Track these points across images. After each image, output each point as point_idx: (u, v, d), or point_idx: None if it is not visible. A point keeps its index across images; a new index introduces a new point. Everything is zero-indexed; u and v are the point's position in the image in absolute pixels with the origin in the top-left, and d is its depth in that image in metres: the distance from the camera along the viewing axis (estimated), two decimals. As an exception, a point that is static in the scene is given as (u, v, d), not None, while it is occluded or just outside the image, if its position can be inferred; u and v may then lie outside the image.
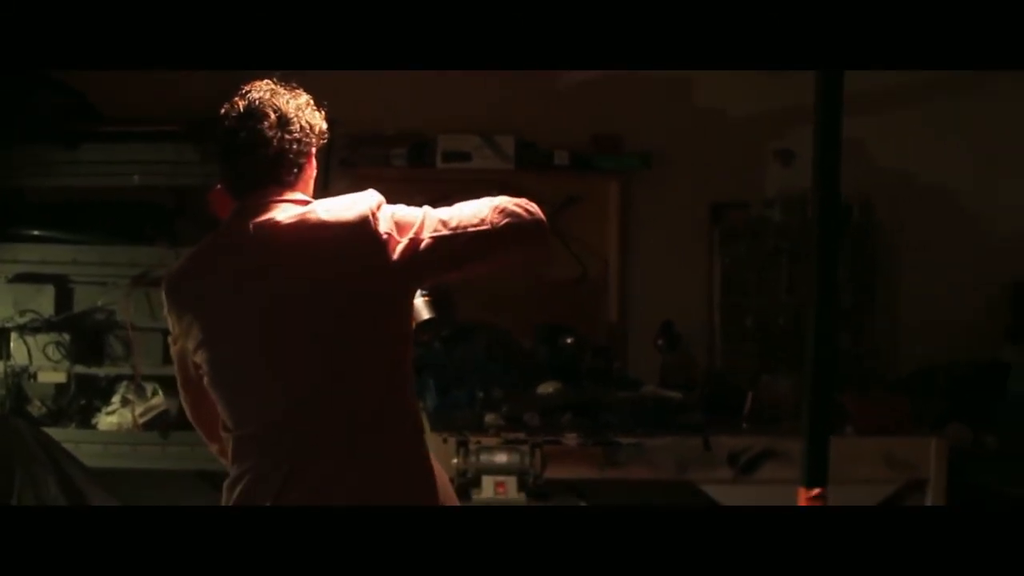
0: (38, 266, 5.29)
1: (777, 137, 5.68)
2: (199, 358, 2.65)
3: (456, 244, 2.61)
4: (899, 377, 5.75)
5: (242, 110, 2.64)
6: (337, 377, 2.56)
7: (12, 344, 5.27)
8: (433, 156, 5.73)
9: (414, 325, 2.81)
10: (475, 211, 2.66)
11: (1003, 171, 5.84)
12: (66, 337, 5.26)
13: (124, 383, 5.29)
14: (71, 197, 5.42)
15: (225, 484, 2.67)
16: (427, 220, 2.62)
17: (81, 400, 5.32)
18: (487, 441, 4.55)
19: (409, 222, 2.61)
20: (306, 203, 2.68)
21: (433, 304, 2.91)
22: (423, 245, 2.59)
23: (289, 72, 2.88)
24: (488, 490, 4.42)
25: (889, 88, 5.57)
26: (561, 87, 5.73)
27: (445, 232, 2.61)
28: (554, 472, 4.57)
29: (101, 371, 5.34)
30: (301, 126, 2.67)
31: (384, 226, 2.58)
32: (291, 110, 2.66)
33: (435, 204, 2.74)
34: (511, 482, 4.43)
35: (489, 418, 4.74)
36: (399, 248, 2.57)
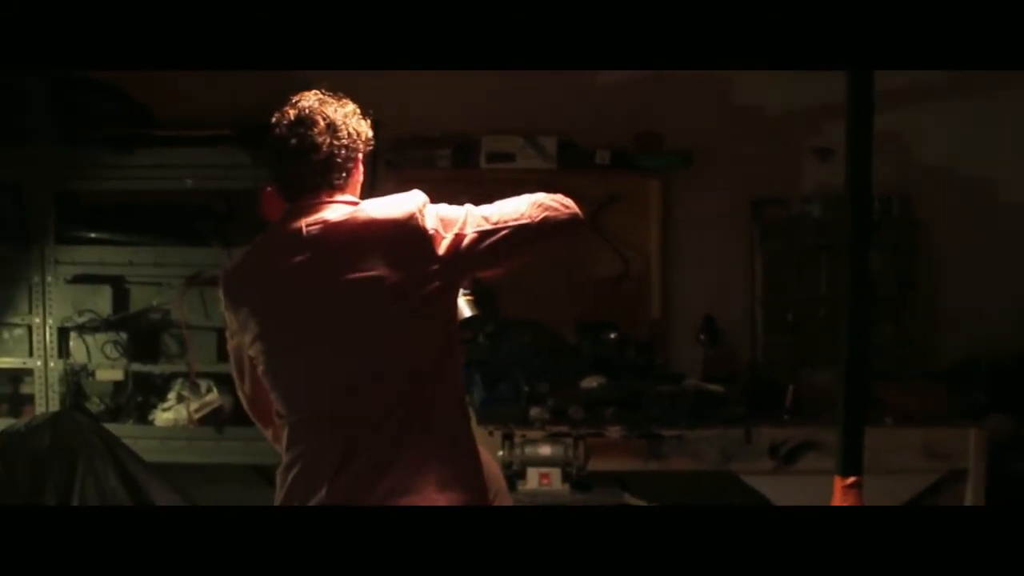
0: (96, 267, 5.33)
1: (815, 134, 5.64)
2: (254, 351, 2.74)
3: (498, 238, 2.70)
4: (940, 368, 5.70)
5: (293, 118, 2.74)
6: (387, 365, 2.64)
7: (71, 343, 5.33)
8: (477, 157, 5.72)
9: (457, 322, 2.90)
10: (515, 207, 2.76)
11: None
12: (123, 336, 5.31)
13: (179, 380, 5.34)
14: (126, 200, 5.45)
15: (279, 470, 2.76)
16: (470, 217, 2.72)
17: (138, 397, 5.38)
18: (532, 434, 4.61)
19: (453, 219, 2.71)
20: (355, 203, 2.77)
21: (475, 302, 3.00)
22: (467, 240, 2.68)
23: (332, 73, 2.97)
24: (533, 481, 4.46)
25: (928, 82, 5.56)
26: (602, 87, 5.71)
27: (487, 227, 2.71)
28: (598, 464, 4.61)
29: (157, 369, 5.38)
30: (348, 132, 2.77)
31: (430, 223, 2.67)
32: (339, 118, 2.76)
33: (478, 204, 2.83)
34: (555, 474, 4.47)
35: (534, 412, 4.80)
36: (444, 243, 2.66)
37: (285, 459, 2.74)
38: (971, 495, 4.76)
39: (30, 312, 5.31)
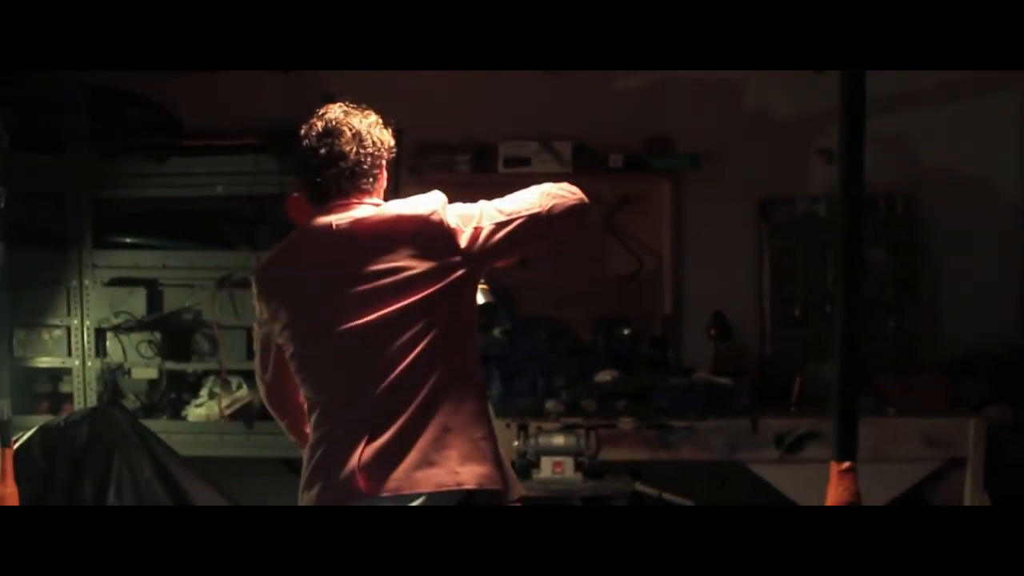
0: (131, 271, 5.45)
1: (821, 136, 5.65)
2: (283, 338, 2.89)
3: (513, 228, 2.86)
4: (943, 361, 5.71)
5: (321, 129, 2.89)
6: (411, 349, 2.78)
7: (108, 343, 5.44)
8: (495, 162, 5.77)
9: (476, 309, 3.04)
10: (525, 198, 2.93)
11: None
12: (157, 336, 5.42)
13: (211, 378, 5.45)
14: (160, 207, 5.55)
15: (306, 448, 2.90)
16: (485, 211, 2.88)
17: (172, 394, 5.49)
18: (546, 426, 4.72)
19: (470, 214, 2.86)
20: (380, 204, 2.93)
21: (490, 291, 3.15)
22: (485, 232, 2.84)
23: (356, 83, 3.09)
24: (547, 470, 4.59)
25: (929, 85, 5.61)
26: (614, 94, 5.76)
27: (502, 219, 2.86)
28: (610, 454, 4.73)
29: (190, 367, 5.48)
30: (373, 141, 2.92)
31: (451, 219, 2.83)
32: (363, 128, 2.91)
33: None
34: (568, 462, 4.59)
35: (550, 405, 4.91)
36: (464, 236, 2.82)
37: (312, 438, 2.88)
38: (970, 483, 4.82)
39: (69, 314, 5.43)
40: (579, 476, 4.63)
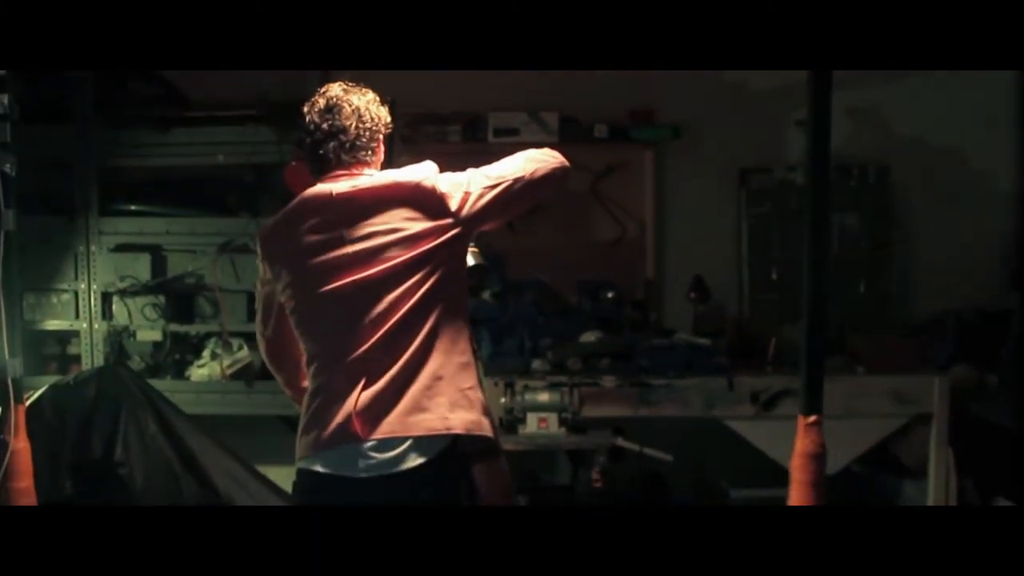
0: (135, 237, 5.50)
1: (797, 107, 5.69)
2: (285, 296, 3.02)
3: (499, 191, 3.00)
4: (913, 323, 5.85)
5: (323, 106, 3.04)
6: (404, 303, 2.91)
7: (114, 306, 5.50)
8: (485, 132, 5.85)
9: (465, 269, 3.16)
10: (511, 164, 3.08)
11: (1007, 132, 5.84)
12: (161, 299, 5.49)
13: (213, 339, 5.51)
14: (163, 175, 5.59)
15: (305, 397, 3.03)
16: (474, 177, 3.02)
17: (175, 355, 5.55)
18: (533, 383, 4.80)
19: (460, 180, 3.01)
20: (375, 175, 3.05)
21: (479, 254, 3.28)
22: (474, 195, 2.98)
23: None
24: (532, 425, 4.68)
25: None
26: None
27: (490, 183, 3.01)
28: (593, 411, 4.81)
29: (192, 329, 5.55)
30: (371, 116, 3.06)
31: (442, 185, 2.97)
32: (362, 105, 3.06)
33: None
34: (553, 418, 4.68)
35: (536, 364, 4.99)
36: (454, 200, 2.96)
37: (311, 387, 3.01)
38: (935, 438, 4.92)
39: (76, 279, 5.49)
40: (563, 431, 4.72)
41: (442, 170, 3.05)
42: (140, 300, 5.50)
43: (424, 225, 2.94)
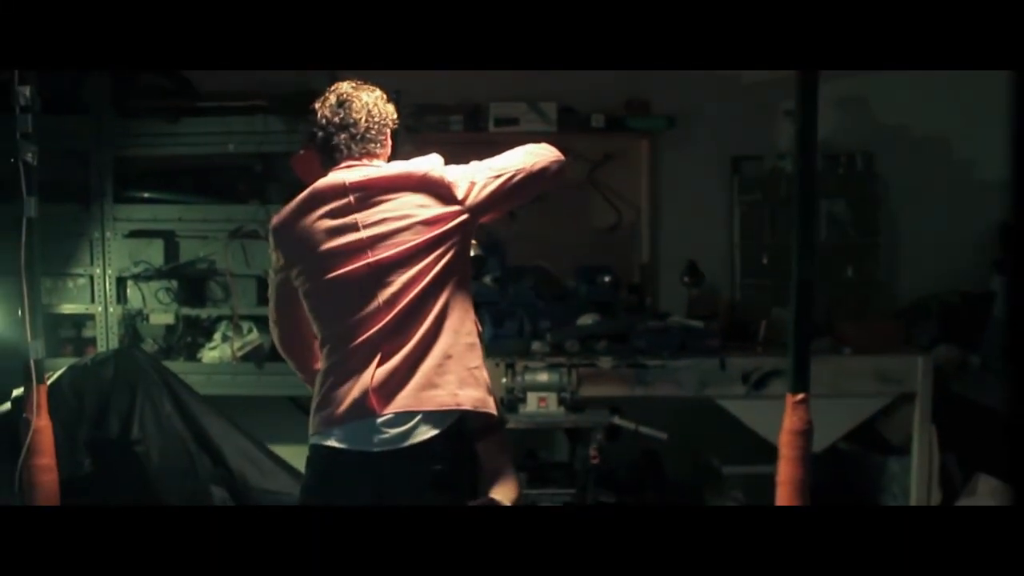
0: (149, 223, 5.54)
1: (788, 98, 5.71)
2: (299, 281, 3.10)
3: (501, 182, 3.09)
4: (899, 307, 5.93)
5: (334, 101, 3.13)
6: (414, 285, 3.00)
7: (128, 291, 5.57)
8: (486, 121, 5.88)
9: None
10: (512, 157, 3.16)
11: (989, 122, 5.82)
12: (174, 284, 5.56)
13: (224, 322, 5.57)
14: (176, 164, 5.64)
15: (318, 376, 3.11)
16: (479, 168, 3.11)
17: (187, 337, 5.61)
18: (532, 364, 4.87)
19: (466, 171, 3.10)
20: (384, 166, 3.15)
21: (480, 245, 3.35)
22: (479, 185, 3.07)
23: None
24: (532, 404, 4.77)
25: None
26: None
27: (493, 174, 3.10)
28: (590, 391, 4.89)
29: (204, 312, 5.61)
30: (380, 111, 3.15)
31: (448, 175, 3.06)
32: (371, 101, 3.15)
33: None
34: (552, 398, 4.77)
35: (536, 346, 5.06)
36: (460, 189, 3.05)
37: (324, 367, 3.09)
38: (919, 416, 5.01)
39: (91, 264, 5.55)
40: (562, 410, 4.80)
41: (445, 158, 3.13)
42: (153, 284, 5.57)
43: (433, 212, 3.02)
